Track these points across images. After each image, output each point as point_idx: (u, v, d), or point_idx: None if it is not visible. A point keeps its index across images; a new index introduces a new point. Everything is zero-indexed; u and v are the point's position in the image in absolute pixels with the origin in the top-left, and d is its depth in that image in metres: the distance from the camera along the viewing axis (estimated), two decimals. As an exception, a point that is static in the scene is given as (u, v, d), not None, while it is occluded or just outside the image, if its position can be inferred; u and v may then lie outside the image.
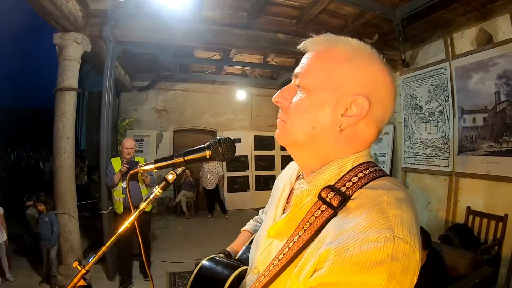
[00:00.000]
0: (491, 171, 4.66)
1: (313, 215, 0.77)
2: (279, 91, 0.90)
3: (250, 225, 1.37)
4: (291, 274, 0.75)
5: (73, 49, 4.65)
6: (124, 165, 4.51)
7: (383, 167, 6.56)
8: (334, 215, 0.73)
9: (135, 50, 5.65)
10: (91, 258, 0.96)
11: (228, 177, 9.82)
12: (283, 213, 0.95)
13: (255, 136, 10.30)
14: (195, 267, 1.04)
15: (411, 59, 6.09)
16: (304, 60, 0.88)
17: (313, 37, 0.89)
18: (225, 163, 9.63)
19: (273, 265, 0.79)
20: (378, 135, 0.87)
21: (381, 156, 6.75)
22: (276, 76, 9.23)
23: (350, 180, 0.78)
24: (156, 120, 9.31)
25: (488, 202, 4.76)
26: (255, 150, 10.30)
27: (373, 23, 5.24)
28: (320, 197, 0.78)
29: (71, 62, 4.67)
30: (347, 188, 0.76)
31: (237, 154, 9.32)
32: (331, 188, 0.78)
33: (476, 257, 3.40)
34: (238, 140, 10.04)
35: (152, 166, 1.00)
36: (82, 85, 9.57)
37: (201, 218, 8.86)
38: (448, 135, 5.34)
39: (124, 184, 4.56)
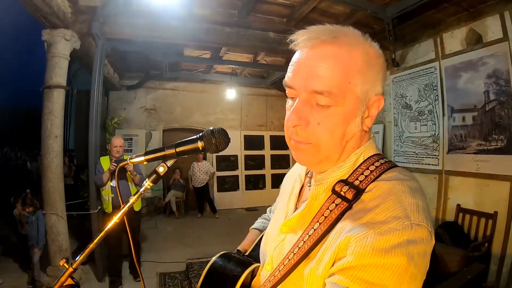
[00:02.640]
0: (481, 169, 4.71)
1: (327, 208, 0.78)
2: (291, 113, 0.81)
3: (258, 223, 1.35)
4: (308, 267, 0.76)
5: (61, 46, 4.60)
6: (113, 163, 4.47)
7: (373, 166, 6.62)
8: (349, 208, 0.75)
9: (124, 47, 5.60)
10: (79, 256, 0.92)
11: (218, 177, 9.82)
12: (296, 209, 0.94)
13: (245, 135, 10.32)
14: (207, 264, 1.01)
15: (401, 58, 6.13)
16: (325, 71, 0.77)
17: (314, 30, 0.82)
18: (215, 162, 9.66)
19: (288, 259, 0.80)
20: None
21: (371, 155, 6.77)
22: (266, 75, 9.25)
23: (362, 174, 0.79)
24: (145, 119, 9.26)
25: (478, 200, 4.81)
26: (245, 149, 10.32)
27: (363, 23, 5.26)
28: (334, 191, 0.79)
29: (59, 59, 4.62)
30: (360, 181, 0.78)
31: (226, 153, 9.36)
32: (344, 182, 0.79)
33: (467, 254, 3.45)
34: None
35: (142, 158, 0.96)
36: (71, 84, 9.47)
37: (190, 218, 8.84)
38: (438, 134, 5.39)
39: (113, 183, 4.54)
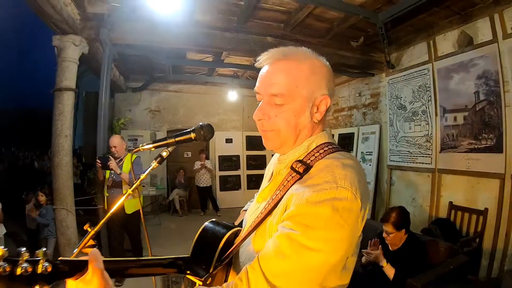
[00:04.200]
0: (472, 167, 4.86)
1: (286, 180, 1.02)
2: (257, 110, 1.10)
3: (247, 205, 1.56)
4: (269, 220, 1.01)
5: (71, 51, 4.78)
6: (97, 160, 4.58)
7: (370, 165, 6.78)
8: (300, 178, 0.99)
9: (130, 52, 5.75)
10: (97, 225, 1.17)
11: (220, 176, 9.95)
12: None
13: (246, 136, 10.47)
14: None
15: (396, 60, 6.28)
16: (278, 80, 1.05)
17: (272, 52, 1.09)
18: (217, 162, 9.84)
19: (257, 217, 1.05)
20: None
21: (367, 155, 6.96)
22: (267, 77, 9.29)
23: (313, 155, 1.03)
24: (150, 121, 9.45)
25: (469, 197, 4.94)
26: (247, 149, 10.45)
27: (358, 26, 5.40)
28: (291, 167, 1.03)
29: (69, 63, 4.79)
30: (311, 160, 1.01)
31: (229, 153, 9.52)
32: (299, 161, 1.03)
33: (452, 246, 3.60)
34: (230, 140, 10.26)
35: (151, 145, 1.26)
36: (76, 85, 9.68)
37: (193, 216, 8.98)
38: (431, 134, 5.55)
39: (109, 183, 4.67)
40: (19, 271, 0.72)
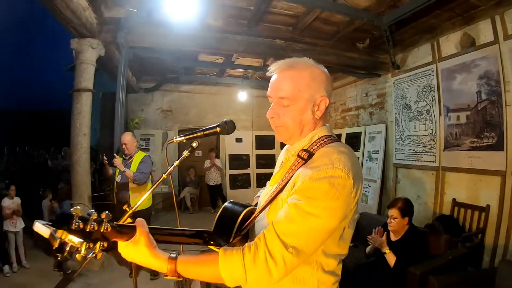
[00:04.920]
0: (474, 165, 4.97)
1: (294, 165, 1.26)
2: (269, 110, 1.36)
3: (259, 192, 1.80)
4: (280, 196, 1.24)
5: (89, 53, 5.01)
6: (104, 157, 4.76)
7: (376, 163, 6.94)
8: (304, 163, 1.22)
9: (145, 54, 5.95)
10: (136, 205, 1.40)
11: (230, 175, 10.09)
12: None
13: (256, 135, 10.58)
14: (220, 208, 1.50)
15: (401, 61, 6.42)
16: (284, 86, 1.30)
17: (279, 63, 1.35)
18: (227, 161, 10.01)
19: (270, 195, 1.29)
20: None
21: (374, 153, 7.11)
22: (276, 78, 9.45)
23: (315, 145, 1.27)
24: (162, 120, 9.63)
25: (472, 194, 5.04)
26: (256, 149, 10.58)
27: (363, 29, 5.58)
28: (298, 155, 1.26)
29: (87, 65, 5.04)
30: (313, 149, 1.25)
31: (239, 152, 9.70)
32: (304, 150, 1.26)
33: (451, 238, 3.78)
34: (240, 139, 10.40)
35: (183, 137, 1.54)
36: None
37: (204, 213, 9.14)
38: (435, 132, 5.67)
39: (118, 179, 4.75)
40: (88, 228, 0.94)
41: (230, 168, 10.14)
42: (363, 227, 4.53)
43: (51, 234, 0.91)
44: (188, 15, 4.45)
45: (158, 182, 1.52)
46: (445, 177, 5.55)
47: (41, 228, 0.92)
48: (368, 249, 3.79)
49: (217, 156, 9.48)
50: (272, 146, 10.72)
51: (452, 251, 3.65)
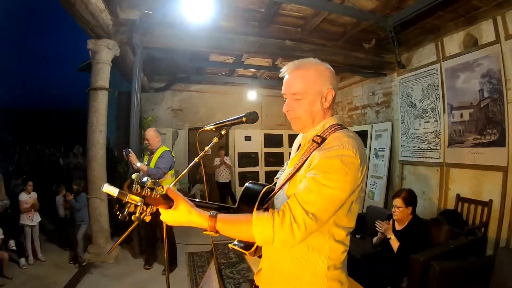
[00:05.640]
0: (477, 161, 5.07)
1: (309, 148, 1.46)
2: (284, 105, 1.56)
3: (278, 174, 2.06)
4: (299, 173, 1.45)
5: (105, 53, 5.23)
6: (123, 152, 4.85)
7: (382, 160, 7.10)
8: (318, 146, 1.42)
9: (159, 55, 6.12)
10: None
11: (239, 172, 10.24)
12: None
13: (265, 134, 10.75)
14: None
15: (407, 61, 6.56)
16: (295, 83, 1.51)
17: (289, 65, 1.56)
18: (236, 159, 10.19)
19: (289, 174, 1.50)
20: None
21: (380, 151, 7.26)
22: (284, 78, 9.58)
23: (327, 132, 1.47)
24: (172, 119, 9.83)
25: (475, 189, 5.14)
26: (265, 147, 10.75)
27: (370, 30, 5.73)
28: (313, 140, 1.47)
29: (103, 65, 5.25)
30: (326, 135, 1.46)
31: (247, 150, 9.90)
32: (318, 136, 1.46)
33: (453, 229, 3.96)
34: (249, 138, 10.60)
35: (213, 126, 1.74)
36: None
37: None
38: (439, 130, 5.79)
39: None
40: (144, 192, 1.16)
41: (239, 166, 10.31)
42: (369, 220, 4.71)
43: (120, 192, 1.14)
44: (202, 17, 4.59)
45: (190, 165, 1.71)
46: (449, 173, 5.65)
47: (109, 188, 1.14)
48: (375, 239, 4.01)
49: (227, 154, 9.63)
50: (280, 144, 10.89)
51: (454, 240, 3.82)
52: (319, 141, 1.43)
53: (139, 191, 1.16)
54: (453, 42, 5.58)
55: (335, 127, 1.49)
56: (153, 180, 1.21)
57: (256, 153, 10.68)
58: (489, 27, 4.91)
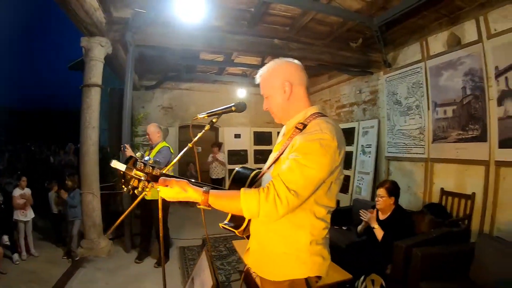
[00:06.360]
0: (460, 156, 5.23)
1: (292, 134, 1.62)
2: (263, 104, 1.79)
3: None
4: (282, 156, 1.59)
5: (98, 51, 5.29)
6: (122, 148, 5.01)
7: (369, 156, 7.26)
8: (300, 131, 1.58)
9: (150, 53, 6.18)
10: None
11: (229, 169, 10.20)
12: None
13: (254, 131, 10.95)
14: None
15: (393, 60, 6.71)
16: (262, 86, 1.76)
17: (259, 71, 1.80)
18: (226, 156, 10.24)
19: (274, 157, 1.65)
20: (307, 92, 1.77)
21: (367, 147, 7.42)
22: (273, 76, 9.70)
23: (309, 119, 1.63)
24: (162, 117, 9.91)
25: (458, 183, 5.29)
26: (254, 144, 10.94)
27: (356, 29, 5.87)
28: (296, 127, 1.63)
29: (96, 62, 5.31)
30: (307, 121, 1.61)
31: (237, 148, 10.03)
32: (301, 122, 1.63)
33: (435, 219, 4.13)
34: (239, 136, 10.74)
35: (205, 114, 1.89)
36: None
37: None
38: (424, 126, 5.95)
39: None
40: (146, 169, 1.31)
41: (229, 163, 10.35)
42: (356, 212, 4.85)
43: (127, 167, 1.28)
44: (193, 16, 4.69)
45: (184, 151, 1.86)
46: (433, 168, 5.80)
47: (117, 164, 1.28)
48: (359, 228, 4.16)
49: (220, 148, 9.59)
50: (269, 142, 11.01)
51: (436, 230, 3.98)
52: (301, 127, 1.60)
53: (142, 168, 1.31)
54: (437, 42, 5.73)
55: (316, 115, 1.66)
56: (154, 160, 1.36)
57: (246, 151, 10.83)
58: (471, 27, 5.05)
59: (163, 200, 1.55)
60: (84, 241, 5.37)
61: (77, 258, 5.16)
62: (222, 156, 9.50)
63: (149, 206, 5.05)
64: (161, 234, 2.18)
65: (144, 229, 5.39)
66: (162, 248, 2.51)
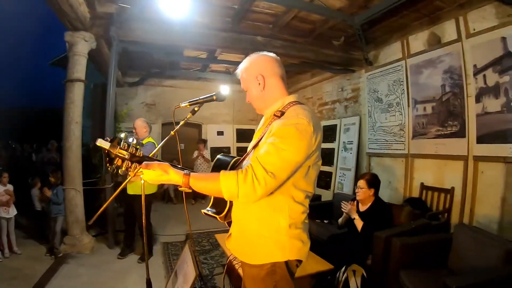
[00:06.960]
0: (439, 151, 5.37)
1: (271, 120, 1.69)
2: (246, 97, 1.91)
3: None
4: (262, 142, 1.65)
5: (81, 46, 5.27)
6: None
7: (351, 153, 7.36)
8: (278, 118, 1.65)
9: (133, 48, 6.14)
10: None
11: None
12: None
13: (237, 129, 11.01)
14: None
15: (374, 58, 6.83)
16: (241, 81, 1.88)
17: (238, 69, 1.92)
18: (209, 153, 9.98)
19: (255, 143, 1.71)
20: (282, 81, 1.86)
21: (349, 144, 7.52)
22: (256, 73, 9.74)
23: (287, 107, 1.70)
24: (145, 114, 9.79)
25: (438, 178, 5.43)
26: (237, 141, 11.01)
27: (338, 27, 5.96)
28: (274, 114, 1.70)
29: (80, 57, 5.28)
30: (285, 109, 1.69)
31: (220, 145, 10.01)
32: (279, 110, 1.70)
33: (413, 211, 4.24)
34: (221, 133, 10.77)
35: (187, 103, 1.95)
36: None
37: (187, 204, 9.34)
38: (404, 123, 6.07)
39: None
40: (130, 150, 1.38)
41: (212, 160, 10.26)
42: (336, 206, 4.94)
43: (111, 145, 1.34)
44: (178, 12, 4.70)
45: (166, 139, 2.00)
46: (413, 163, 5.93)
47: (102, 142, 1.34)
48: (340, 220, 4.26)
49: (205, 145, 9.56)
50: (251, 139, 10.91)
51: (415, 221, 4.08)
52: (279, 114, 1.67)
53: (126, 147, 1.37)
54: (418, 41, 5.85)
55: (293, 103, 1.73)
56: (137, 142, 1.41)
57: (228, 148, 10.86)
58: (451, 26, 5.18)
59: (146, 196, 1.61)
60: (67, 238, 5.33)
61: (60, 255, 5.13)
62: (207, 153, 9.49)
63: (131, 202, 5.04)
64: (144, 223, 2.19)
65: (127, 226, 5.37)
66: (145, 239, 2.52)
